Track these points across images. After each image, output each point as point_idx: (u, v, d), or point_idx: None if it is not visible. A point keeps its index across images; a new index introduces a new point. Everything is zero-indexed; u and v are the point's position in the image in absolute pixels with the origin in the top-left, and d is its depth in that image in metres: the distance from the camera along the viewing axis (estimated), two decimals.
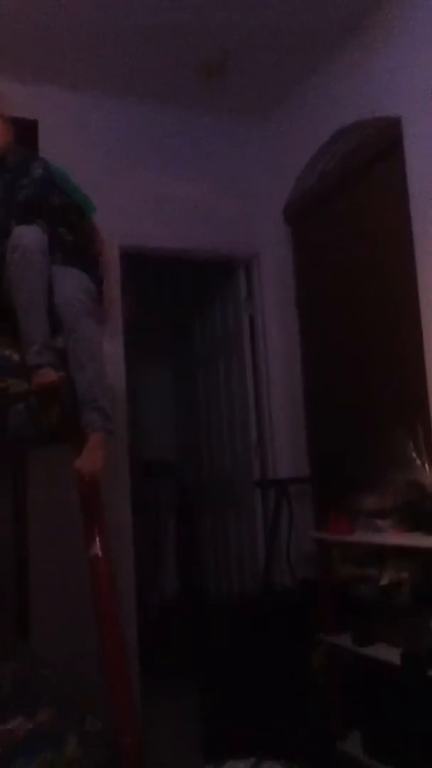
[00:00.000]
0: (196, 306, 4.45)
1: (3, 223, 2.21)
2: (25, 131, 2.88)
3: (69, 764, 1.56)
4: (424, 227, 2.73)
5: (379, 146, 3.00)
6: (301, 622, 2.82)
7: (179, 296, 4.63)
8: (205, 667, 3.04)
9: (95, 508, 2.12)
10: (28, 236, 2.10)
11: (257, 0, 2.90)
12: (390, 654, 2.36)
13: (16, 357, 2.15)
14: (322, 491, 3.33)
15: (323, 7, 2.95)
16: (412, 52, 2.79)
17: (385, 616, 2.48)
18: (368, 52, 3.04)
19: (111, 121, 3.48)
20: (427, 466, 2.54)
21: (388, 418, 2.84)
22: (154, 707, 2.92)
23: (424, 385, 2.68)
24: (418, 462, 2.56)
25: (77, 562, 2.17)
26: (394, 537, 2.49)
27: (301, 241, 3.63)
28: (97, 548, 2.08)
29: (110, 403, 2.18)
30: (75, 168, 2.51)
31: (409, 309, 2.76)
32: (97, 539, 2.09)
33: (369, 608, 2.55)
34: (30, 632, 2.66)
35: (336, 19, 3.02)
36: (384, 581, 2.49)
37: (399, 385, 2.88)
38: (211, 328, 4.28)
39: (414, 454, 2.57)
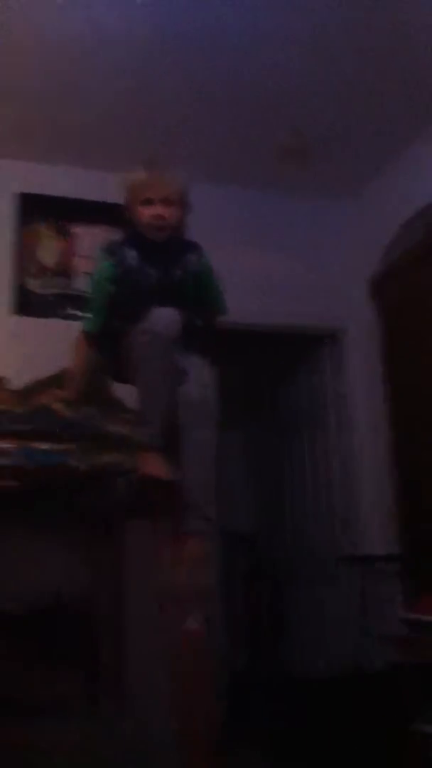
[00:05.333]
0: (279, 376, 4.49)
1: (143, 303, 2.20)
2: None
3: None
4: None
5: None
6: (393, 709, 2.72)
7: (262, 365, 4.69)
8: (289, 750, 2.93)
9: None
10: (163, 321, 2.11)
11: (343, 89, 3.10)
12: None
13: (123, 431, 2.26)
14: (413, 569, 3.25)
15: (406, 94, 3.13)
16: None
17: None
18: None
19: (199, 204, 3.67)
20: None
21: None
22: None
23: None
24: None
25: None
26: None
27: (387, 315, 3.61)
28: (193, 623, 2.11)
29: (213, 504, 2.19)
30: None
31: None
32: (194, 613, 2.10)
33: None
34: (125, 706, 2.66)
35: (419, 103, 3.19)
36: None
37: None
38: (295, 399, 4.29)
39: None
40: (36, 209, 3.47)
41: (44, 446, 2.26)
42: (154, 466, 2.12)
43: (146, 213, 2.25)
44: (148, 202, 2.24)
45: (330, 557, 3.78)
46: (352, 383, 3.88)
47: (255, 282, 3.66)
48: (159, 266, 2.28)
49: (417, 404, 3.34)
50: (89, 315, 2.41)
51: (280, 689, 3.57)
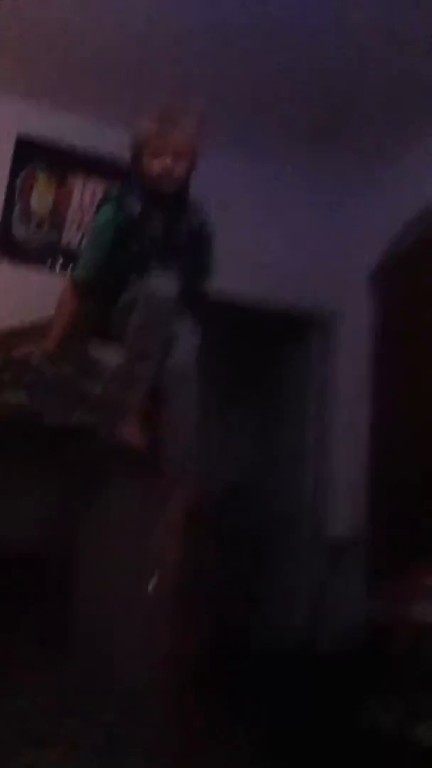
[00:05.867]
0: (267, 355, 4.44)
1: (145, 257, 2.17)
2: None
3: None
4: None
5: None
6: (344, 692, 2.71)
7: (251, 341, 4.65)
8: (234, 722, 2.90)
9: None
10: (165, 288, 2.06)
11: (367, 73, 3.04)
12: None
13: (101, 392, 2.21)
14: (378, 555, 3.25)
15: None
16: None
17: None
18: None
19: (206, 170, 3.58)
20: None
21: None
22: None
23: None
24: None
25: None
26: None
27: (382, 308, 3.60)
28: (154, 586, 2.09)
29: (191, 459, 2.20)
30: None
31: None
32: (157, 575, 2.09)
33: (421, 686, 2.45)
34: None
35: None
36: None
37: None
38: (282, 379, 4.28)
39: None
40: (35, 153, 3.34)
41: (19, 397, 2.20)
42: (132, 432, 2.10)
43: (156, 165, 2.15)
44: (159, 153, 2.14)
45: (298, 535, 3.80)
46: (338, 371, 3.86)
47: (254, 256, 3.58)
48: (163, 219, 2.21)
49: (400, 397, 3.34)
50: (83, 261, 2.31)
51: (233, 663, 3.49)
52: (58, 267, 3.28)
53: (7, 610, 2.48)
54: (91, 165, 3.41)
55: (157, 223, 2.19)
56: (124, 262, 2.18)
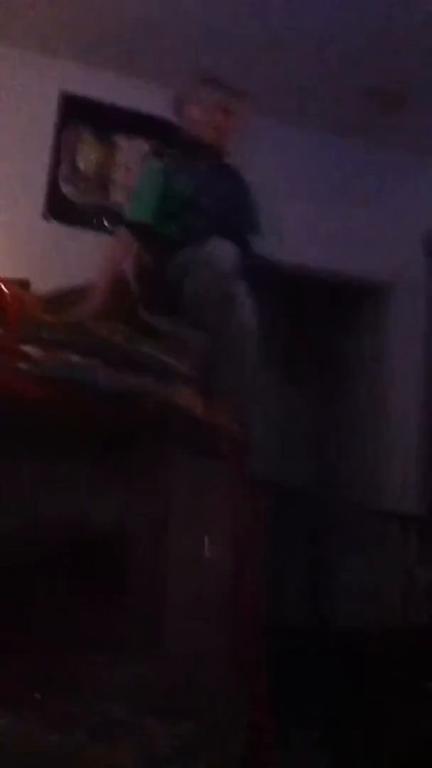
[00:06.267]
0: (320, 325, 4.33)
1: (192, 208, 2.16)
2: None
3: None
4: None
5: None
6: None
7: (304, 311, 4.57)
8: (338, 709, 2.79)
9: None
10: (228, 259, 2.00)
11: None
12: None
13: (161, 358, 2.12)
14: None
15: None
16: None
17: None
18: None
19: (271, 144, 3.45)
20: None
21: None
22: None
23: None
24: None
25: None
26: None
27: None
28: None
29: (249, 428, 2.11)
30: None
31: None
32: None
33: None
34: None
35: None
36: None
37: None
38: (342, 352, 4.19)
39: None
40: (79, 112, 3.26)
41: (75, 360, 2.10)
42: (191, 400, 2.00)
43: (200, 112, 2.24)
44: (204, 102, 2.23)
45: (381, 513, 3.66)
46: (393, 340, 3.78)
47: (306, 226, 3.45)
48: (205, 171, 2.24)
49: None
50: (136, 204, 2.26)
51: (320, 640, 3.41)
52: (105, 227, 3.17)
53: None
54: (137, 125, 3.32)
55: (199, 175, 2.21)
56: (172, 212, 2.17)
